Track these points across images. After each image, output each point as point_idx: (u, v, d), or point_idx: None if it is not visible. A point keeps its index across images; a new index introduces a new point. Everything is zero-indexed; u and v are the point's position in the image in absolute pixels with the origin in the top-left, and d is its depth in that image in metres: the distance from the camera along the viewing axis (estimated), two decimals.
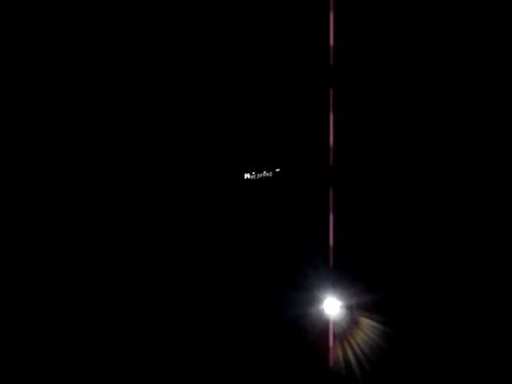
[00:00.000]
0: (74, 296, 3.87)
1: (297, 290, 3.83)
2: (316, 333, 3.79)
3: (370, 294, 3.75)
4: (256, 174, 4.04)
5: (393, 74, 3.90)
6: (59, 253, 3.91)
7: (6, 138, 3.92)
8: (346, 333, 3.77)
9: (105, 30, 4.00)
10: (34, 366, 3.77)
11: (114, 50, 4.01)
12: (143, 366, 3.83)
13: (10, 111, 3.93)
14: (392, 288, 3.77)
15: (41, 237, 3.91)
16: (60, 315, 3.85)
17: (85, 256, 3.93)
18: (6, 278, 3.85)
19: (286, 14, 3.99)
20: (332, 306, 3.79)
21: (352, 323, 3.77)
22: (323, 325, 3.80)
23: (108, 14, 3.99)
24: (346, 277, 3.81)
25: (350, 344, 3.73)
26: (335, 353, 3.76)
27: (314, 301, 3.81)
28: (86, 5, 3.97)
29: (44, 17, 3.95)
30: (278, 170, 4.05)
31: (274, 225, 3.99)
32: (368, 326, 3.73)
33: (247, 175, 4.03)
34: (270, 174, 4.05)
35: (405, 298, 3.76)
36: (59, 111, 3.99)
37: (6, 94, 3.92)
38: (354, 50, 3.93)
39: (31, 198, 3.93)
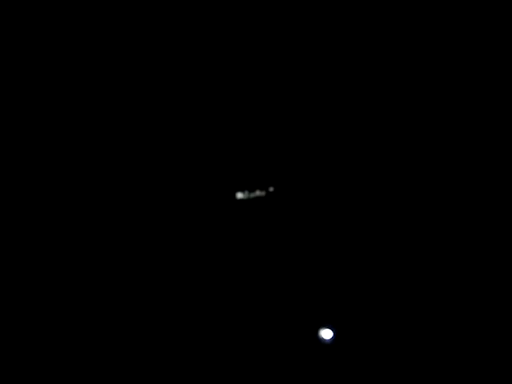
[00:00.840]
0: (70, 296, 3.91)
1: (292, 310, 3.82)
2: (311, 353, 3.76)
3: (369, 313, 3.73)
4: (249, 193, 3.97)
5: (392, 88, 3.84)
6: (58, 252, 3.96)
7: (6, 137, 3.99)
8: (341, 350, 3.74)
9: (105, 30, 4.02)
10: (33, 366, 3.83)
11: (110, 54, 4.01)
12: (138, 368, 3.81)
13: (10, 111, 4.01)
14: (393, 307, 3.72)
15: (40, 236, 3.97)
16: (59, 315, 3.90)
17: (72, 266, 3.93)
18: (6, 277, 3.92)
19: (284, 22, 3.97)
20: (329, 327, 3.77)
21: (348, 341, 3.74)
22: (319, 344, 3.77)
23: (108, 13, 4.01)
24: (344, 297, 3.79)
25: (345, 362, 3.70)
26: (331, 369, 3.72)
27: (310, 321, 3.80)
28: (86, 5, 4.01)
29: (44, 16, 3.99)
30: (271, 189, 3.97)
31: (268, 247, 3.95)
32: (365, 344, 3.69)
33: (240, 195, 3.96)
34: (264, 193, 3.98)
35: (407, 316, 3.70)
36: (58, 111, 4.04)
37: (6, 94, 4.00)
38: (351, 64, 3.89)
39: (31, 196, 3.99)
